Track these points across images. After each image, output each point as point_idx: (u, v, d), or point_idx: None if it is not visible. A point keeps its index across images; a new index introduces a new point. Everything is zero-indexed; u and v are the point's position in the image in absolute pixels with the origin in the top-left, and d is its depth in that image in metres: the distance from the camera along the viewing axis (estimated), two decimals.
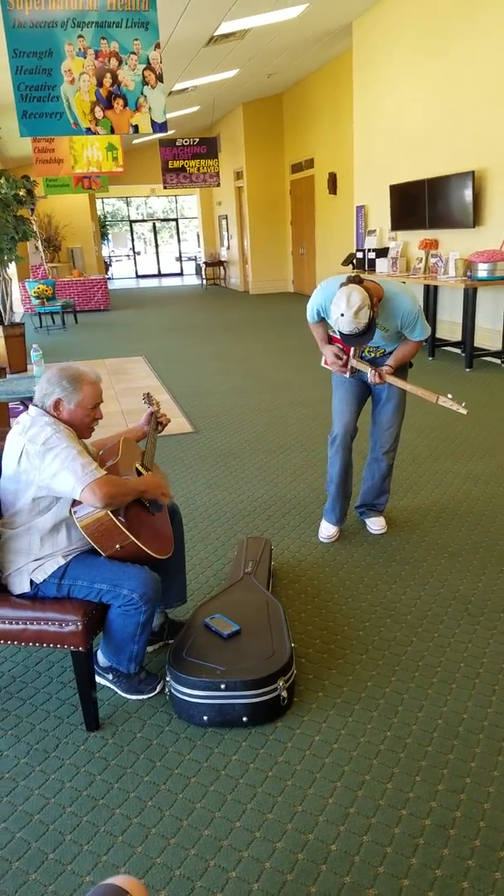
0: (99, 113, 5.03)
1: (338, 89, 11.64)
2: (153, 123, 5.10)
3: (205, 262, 20.03)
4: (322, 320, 3.23)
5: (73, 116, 5.02)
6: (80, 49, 4.86)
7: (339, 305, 2.78)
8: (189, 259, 26.61)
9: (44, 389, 2.25)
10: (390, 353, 3.24)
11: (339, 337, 2.99)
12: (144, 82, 4.99)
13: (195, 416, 5.93)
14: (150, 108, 5.06)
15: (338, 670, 2.51)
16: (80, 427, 2.30)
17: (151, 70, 4.95)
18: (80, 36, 4.83)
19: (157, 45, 4.92)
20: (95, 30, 4.83)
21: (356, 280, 2.81)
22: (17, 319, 10.89)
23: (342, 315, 2.77)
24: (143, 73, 4.95)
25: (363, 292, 2.75)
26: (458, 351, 7.99)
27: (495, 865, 1.73)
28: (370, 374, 3.12)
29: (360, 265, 9.58)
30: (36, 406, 2.27)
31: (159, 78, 4.98)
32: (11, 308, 14.05)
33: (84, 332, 11.68)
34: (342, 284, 2.83)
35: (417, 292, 8.55)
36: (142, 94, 5.02)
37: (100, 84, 4.94)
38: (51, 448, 2.12)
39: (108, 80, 4.94)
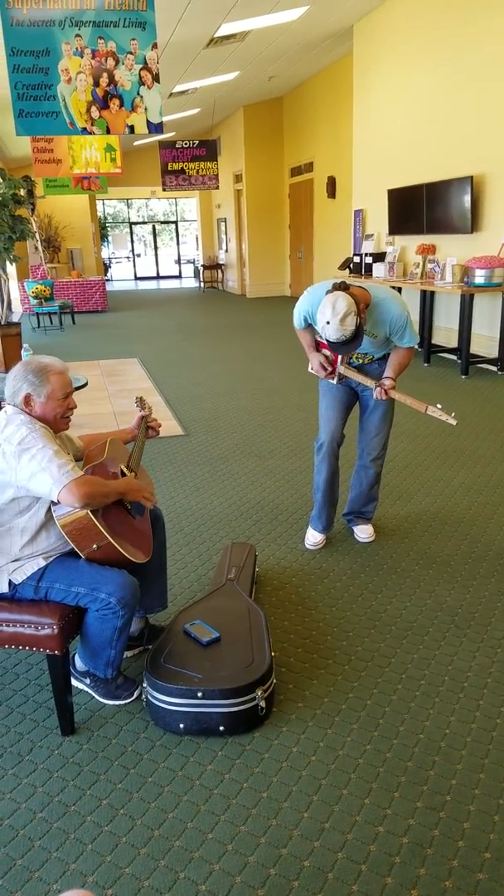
0: (95, 113, 4.99)
1: (338, 93, 11.64)
2: (149, 124, 5.07)
3: (203, 265, 20.02)
4: (309, 326, 3.19)
5: (70, 116, 4.99)
6: (77, 48, 4.83)
7: (325, 313, 2.74)
8: (188, 262, 26.60)
9: (12, 387, 2.21)
10: (379, 359, 3.21)
11: (326, 343, 2.96)
12: (141, 82, 4.95)
13: (186, 419, 5.89)
14: (146, 109, 5.02)
15: (319, 681, 2.47)
16: (55, 420, 2.26)
17: (148, 70, 4.92)
18: (78, 35, 4.80)
19: (155, 46, 4.89)
20: (93, 29, 4.80)
21: (342, 286, 2.77)
22: (16, 319, 10.85)
23: (328, 323, 2.73)
24: (139, 74, 4.92)
25: (349, 299, 2.71)
26: (454, 357, 7.97)
27: (473, 887, 1.69)
28: (375, 392, 3.08)
29: (356, 270, 9.56)
30: (11, 405, 2.23)
31: (156, 78, 4.95)
32: (10, 308, 14.03)
33: (81, 333, 11.65)
34: (328, 291, 2.79)
35: (414, 297, 8.53)
36: (138, 94, 4.98)
37: (96, 84, 4.91)
38: (27, 448, 2.08)
39: (104, 80, 4.91)
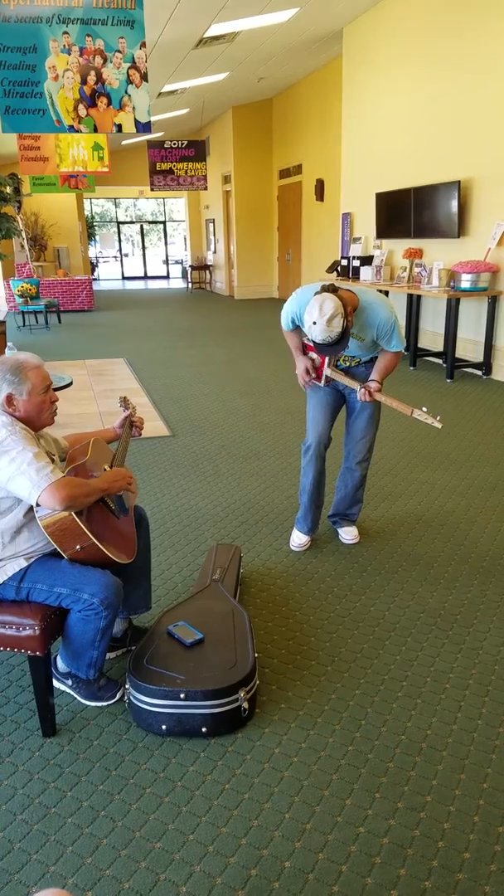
0: (82, 111, 4.98)
1: (327, 96, 11.67)
2: (137, 123, 5.06)
3: (191, 266, 20.01)
4: (297, 328, 3.19)
5: (57, 114, 4.97)
6: (64, 46, 4.81)
7: (312, 314, 2.75)
8: (176, 262, 26.57)
9: None
10: (366, 362, 3.22)
11: (312, 345, 2.97)
12: (129, 81, 4.94)
13: (173, 420, 5.88)
14: (134, 108, 5.01)
15: (302, 682, 2.47)
16: (40, 416, 2.24)
17: (136, 69, 4.91)
18: (66, 32, 4.78)
19: (143, 44, 4.88)
20: (81, 27, 4.78)
21: (331, 289, 2.79)
22: (0, 318, 10.79)
23: (315, 323, 2.74)
24: (127, 72, 4.91)
25: (336, 301, 2.72)
26: (439, 361, 8.01)
27: (452, 887, 1.70)
28: (359, 393, 3.09)
29: (344, 273, 9.58)
30: None
31: (144, 77, 4.94)
32: None
33: (67, 333, 11.59)
34: (316, 293, 2.80)
35: (401, 301, 8.56)
36: (126, 93, 4.97)
37: (84, 82, 4.89)
38: (6, 451, 2.06)
39: (92, 78, 4.90)
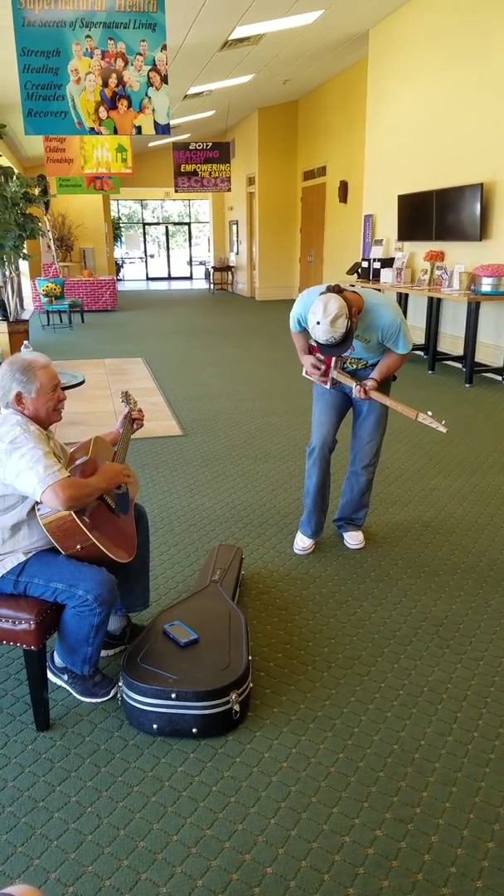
0: (103, 113, 5.01)
1: (353, 97, 11.64)
2: (156, 125, 5.09)
3: (213, 267, 20.06)
4: (304, 330, 3.19)
5: (78, 116, 5.01)
6: (87, 49, 4.85)
7: (316, 314, 2.74)
8: (199, 263, 26.68)
9: (1, 389, 2.22)
10: (373, 365, 3.20)
11: (316, 345, 2.96)
12: (149, 84, 4.97)
13: (186, 420, 5.89)
14: (153, 110, 5.04)
15: (297, 687, 2.46)
16: (48, 414, 2.28)
17: (157, 72, 4.93)
18: (88, 36, 4.82)
19: (164, 47, 4.90)
20: (103, 30, 4.82)
21: (335, 289, 2.78)
22: (27, 316, 10.88)
23: (318, 323, 2.74)
24: (148, 75, 4.94)
25: (341, 301, 2.71)
26: (458, 365, 7.94)
27: None
28: (354, 389, 3.08)
29: (364, 275, 9.54)
30: (3, 406, 2.25)
31: (164, 80, 4.96)
32: (21, 305, 14.06)
33: (89, 332, 11.68)
34: (321, 293, 2.80)
35: (421, 304, 8.51)
36: (146, 95, 5.00)
37: (105, 84, 4.93)
38: (17, 447, 2.10)
39: (113, 81, 4.93)
